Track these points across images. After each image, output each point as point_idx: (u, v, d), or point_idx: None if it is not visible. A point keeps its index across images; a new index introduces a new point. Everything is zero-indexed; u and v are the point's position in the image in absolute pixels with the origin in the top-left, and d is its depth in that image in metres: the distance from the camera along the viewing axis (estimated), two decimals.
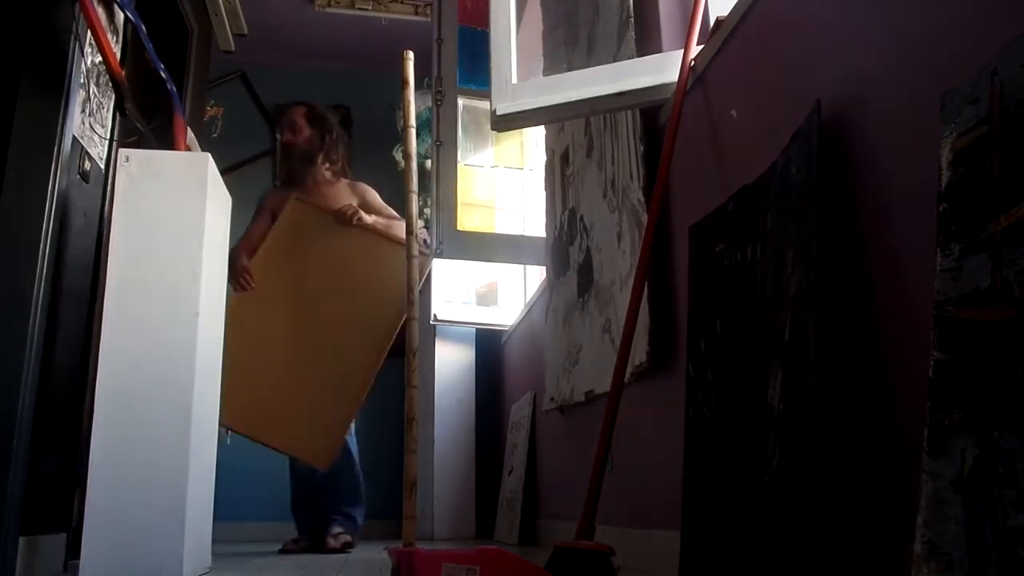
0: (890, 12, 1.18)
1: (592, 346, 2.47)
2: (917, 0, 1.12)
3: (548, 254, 3.10)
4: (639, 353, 2.02)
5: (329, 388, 3.09)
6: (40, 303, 1.96)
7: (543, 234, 3.27)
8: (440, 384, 4.13)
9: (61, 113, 2.05)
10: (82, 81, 2.19)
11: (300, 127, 3.36)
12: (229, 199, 2.53)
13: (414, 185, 1.99)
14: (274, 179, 4.87)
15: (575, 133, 2.75)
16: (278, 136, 3.61)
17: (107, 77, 2.42)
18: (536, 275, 3.90)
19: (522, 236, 3.80)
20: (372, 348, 3.09)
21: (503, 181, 4.06)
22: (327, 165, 3.37)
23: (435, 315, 4.12)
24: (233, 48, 3.89)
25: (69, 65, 2.09)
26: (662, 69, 1.93)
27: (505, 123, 2.11)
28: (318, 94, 4.97)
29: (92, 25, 2.18)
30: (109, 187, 2.47)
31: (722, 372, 1.51)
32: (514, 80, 2.12)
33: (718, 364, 1.53)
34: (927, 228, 0.99)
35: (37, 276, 1.95)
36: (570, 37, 2.80)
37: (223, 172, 4.32)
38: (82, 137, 2.23)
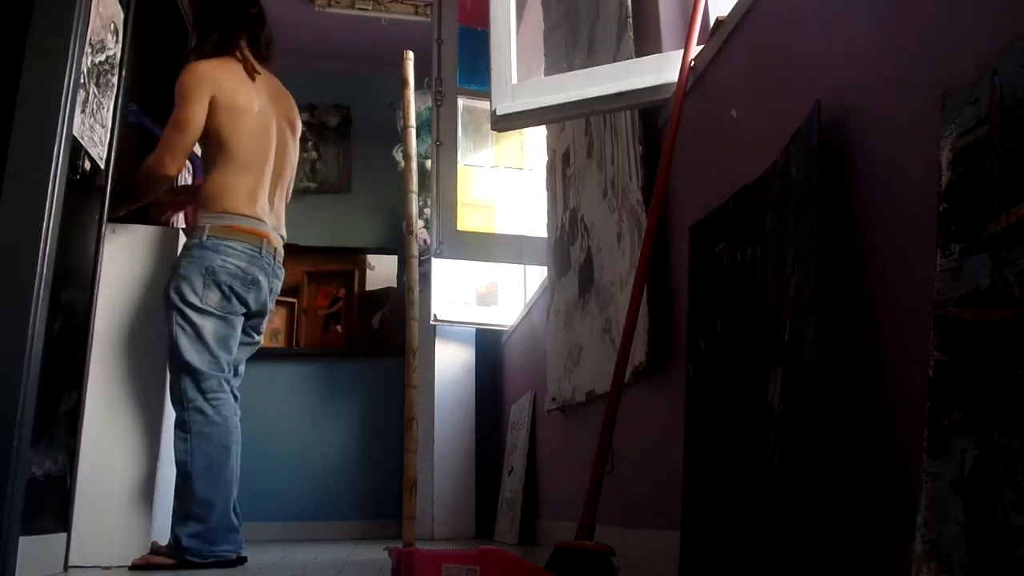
0: (890, 12, 1.18)
1: (593, 346, 2.47)
2: (917, 0, 1.12)
3: (550, 254, 3.10)
4: (638, 353, 2.02)
5: None
6: (40, 303, 1.96)
7: (543, 234, 3.27)
8: (440, 384, 4.13)
9: (61, 113, 2.05)
10: (82, 81, 2.19)
11: None
12: None
13: (414, 185, 2.00)
14: None
15: (576, 133, 2.75)
16: None
17: (107, 77, 2.42)
18: (536, 275, 3.90)
19: (522, 236, 3.79)
20: None
21: (503, 181, 4.05)
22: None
23: (435, 315, 4.12)
24: None
25: (69, 65, 2.09)
26: (662, 69, 1.93)
27: (505, 123, 2.11)
28: (318, 94, 4.98)
29: None
30: (109, 188, 2.48)
31: (722, 372, 1.51)
32: (514, 80, 2.12)
33: (718, 364, 1.53)
34: (927, 228, 0.99)
35: (37, 276, 1.95)
36: (570, 37, 2.80)
37: None
38: (82, 137, 2.23)
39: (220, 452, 2.40)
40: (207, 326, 2.44)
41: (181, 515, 2.36)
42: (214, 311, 2.45)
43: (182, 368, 2.42)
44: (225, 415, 2.44)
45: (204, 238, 2.46)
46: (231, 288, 2.47)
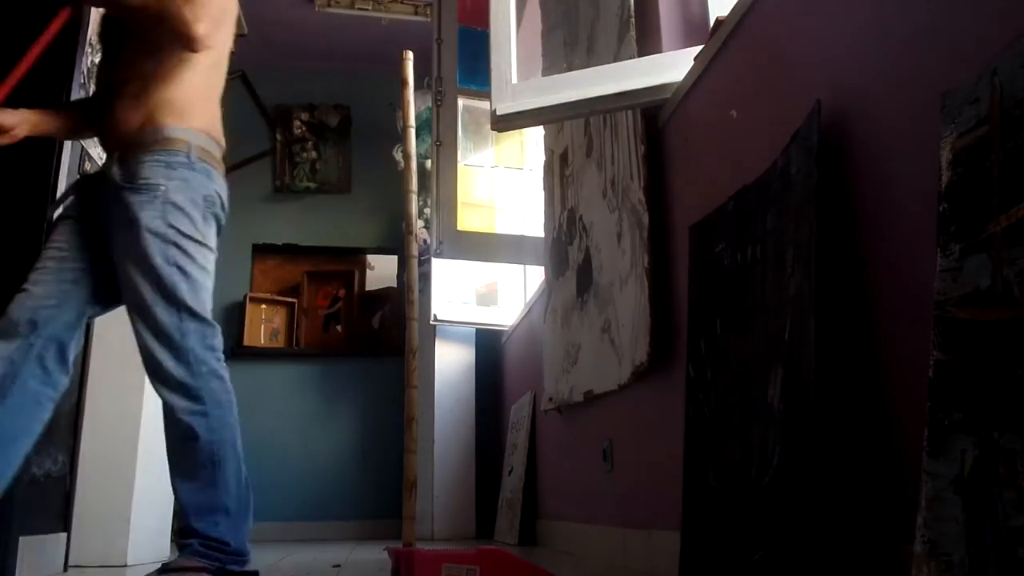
0: (890, 12, 1.18)
1: (591, 346, 2.47)
2: (917, 0, 1.12)
3: (547, 254, 3.10)
4: (639, 353, 2.02)
5: None
6: None
7: (543, 234, 3.27)
8: (440, 384, 4.13)
9: None
10: (82, 81, 2.19)
11: None
12: None
13: (414, 185, 1.99)
14: (274, 179, 4.88)
15: (574, 133, 2.75)
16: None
17: None
18: (536, 275, 3.90)
19: (522, 236, 3.80)
20: None
21: (503, 181, 4.06)
22: None
23: (435, 315, 4.12)
24: (233, 48, 3.89)
25: (69, 65, 2.09)
26: (662, 69, 1.94)
27: (505, 123, 2.11)
28: (318, 94, 4.98)
29: None
30: None
31: (722, 372, 1.51)
32: (514, 80, 2.12)
33: (718, 364, 1.53)
34: (927, 228, 0.99)
35: None
36: (570, 37, 2.80)
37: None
38: None
39: (238, 426, 1.77)
40: (211, 268, 1.79)
41: (207, 508, 1.69)
42: (214, 252, 1.81)
43: (187, 318, 1.71)
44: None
45: (193, 158, 1.79)
46: (219, 230, 1.84)
